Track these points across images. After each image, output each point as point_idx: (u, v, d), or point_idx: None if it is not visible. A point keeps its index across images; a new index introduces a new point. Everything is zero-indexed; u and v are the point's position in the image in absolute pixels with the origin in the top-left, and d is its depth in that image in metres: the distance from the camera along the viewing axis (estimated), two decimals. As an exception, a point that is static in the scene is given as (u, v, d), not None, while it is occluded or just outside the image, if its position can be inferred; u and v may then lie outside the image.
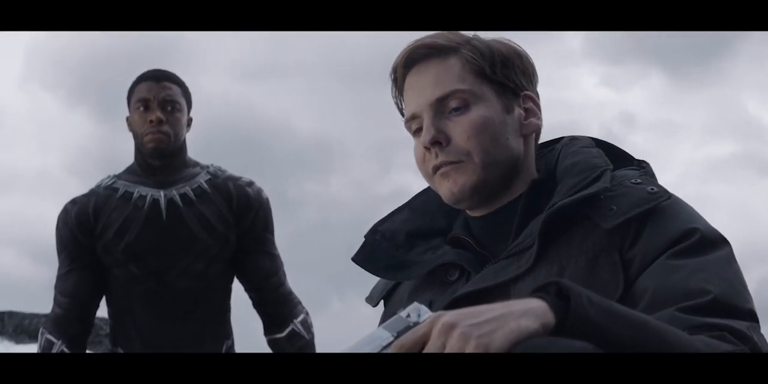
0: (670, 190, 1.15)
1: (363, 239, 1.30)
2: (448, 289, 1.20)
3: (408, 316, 0.88)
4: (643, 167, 1.24)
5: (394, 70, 1.26)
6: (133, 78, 2.46)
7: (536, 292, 0.92)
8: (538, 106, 1.26)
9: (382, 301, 1.33)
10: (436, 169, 1.20)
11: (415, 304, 0.88)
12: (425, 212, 1.31)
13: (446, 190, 1.20)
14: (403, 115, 1.28)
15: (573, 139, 1.28)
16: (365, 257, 1.28)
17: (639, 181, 1.16)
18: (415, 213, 1.32)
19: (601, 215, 1.12)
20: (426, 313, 0.88)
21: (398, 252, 1.27)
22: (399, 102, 1.28)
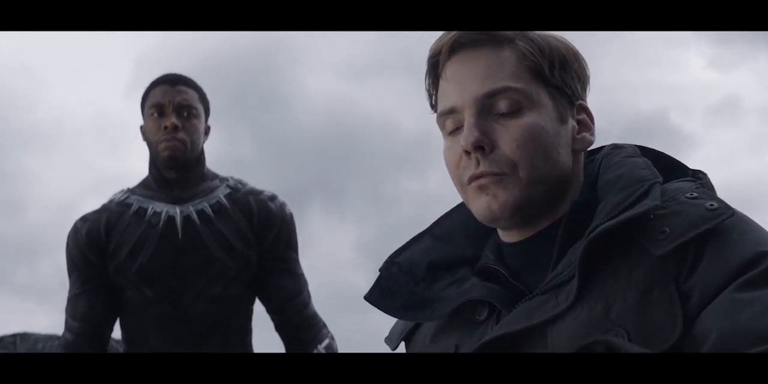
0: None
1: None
2: (476, 330, 1.03)
3: None
4: (699, 178, 1.05)
5: (435, 53, 1.08)
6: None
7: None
8: (591, 119, 1.09)
9: (402, 343, 1.16)
10: (473, 178, 1.03)
11: None
12: (449, 239, 1.14)
13: (483, 205, 1.03)
14: (432, 107, 1.11)
15: (615, 147, 1.11)
16: (380, 294, 1.10)
17: (695, 194, 0.98)
18: (438, 240, 1.14)
19: (652, 239, 0.94)
20: None
21: (418, 287, 1.09)
22: (432, 91, 1.10)
